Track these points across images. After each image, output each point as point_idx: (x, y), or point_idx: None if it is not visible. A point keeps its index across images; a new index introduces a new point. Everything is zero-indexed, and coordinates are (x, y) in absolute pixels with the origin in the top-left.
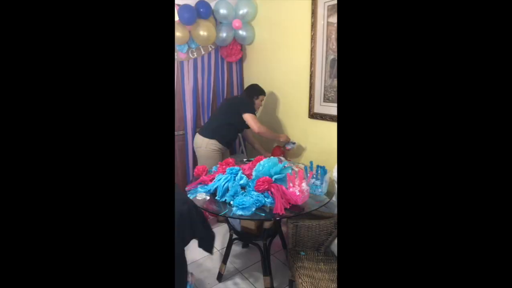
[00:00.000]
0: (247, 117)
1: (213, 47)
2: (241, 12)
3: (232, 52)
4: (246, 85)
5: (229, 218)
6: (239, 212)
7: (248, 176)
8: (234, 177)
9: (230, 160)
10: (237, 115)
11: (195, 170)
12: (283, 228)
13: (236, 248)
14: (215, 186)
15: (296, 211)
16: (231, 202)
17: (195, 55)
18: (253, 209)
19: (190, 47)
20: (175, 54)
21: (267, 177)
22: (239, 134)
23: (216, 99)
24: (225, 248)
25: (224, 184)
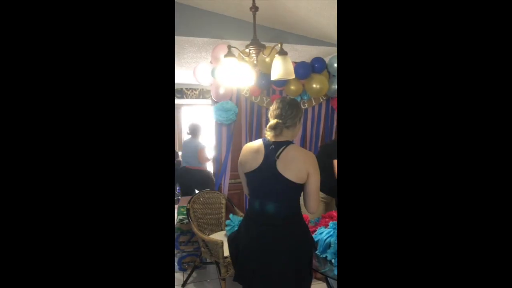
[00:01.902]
0: (335, 163)
1: (324, 98)
2: None
3: None
4: None
5: (328, 278)
6: None
7: None
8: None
9: (334, 213)
10: (329, 160)
11: None
12: None
13: None
14: (316, 239)
15: None
16: (333, 260)
17: (306, 106)
18: None
19: (303, 98)
20: None
21: None
22: None
23: None
24: None
25: (326, 239)
